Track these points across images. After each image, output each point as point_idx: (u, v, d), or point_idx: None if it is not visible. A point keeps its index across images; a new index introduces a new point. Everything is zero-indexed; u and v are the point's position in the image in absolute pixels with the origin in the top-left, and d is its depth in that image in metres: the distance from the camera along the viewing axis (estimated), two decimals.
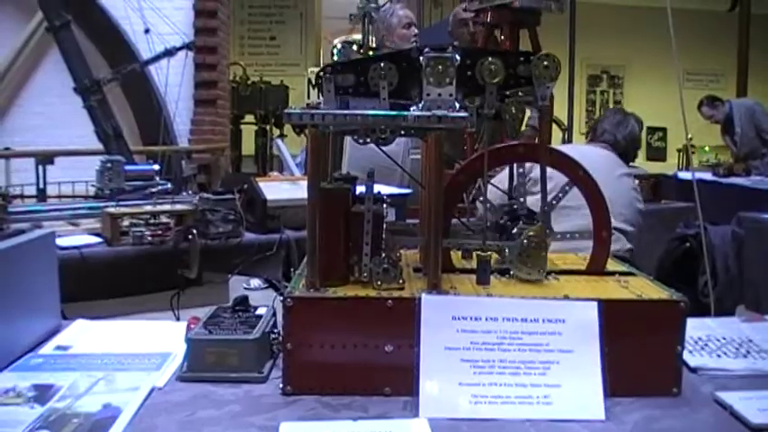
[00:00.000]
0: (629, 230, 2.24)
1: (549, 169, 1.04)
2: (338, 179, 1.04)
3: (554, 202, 1.07)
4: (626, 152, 2.46)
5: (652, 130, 8.77)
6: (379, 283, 0.94)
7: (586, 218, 1.07)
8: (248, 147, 7.07)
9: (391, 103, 0.97)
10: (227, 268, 2.05)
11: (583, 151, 2.22)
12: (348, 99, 0.98)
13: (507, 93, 1.02)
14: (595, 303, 0.91)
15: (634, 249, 2.22)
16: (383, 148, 0.98)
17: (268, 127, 6.86)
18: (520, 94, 1.02)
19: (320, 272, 0.94)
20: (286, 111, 0.91)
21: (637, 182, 2.45)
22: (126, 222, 1.97)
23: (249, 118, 6.95)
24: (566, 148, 1.31)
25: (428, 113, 0.92)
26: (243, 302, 1.09)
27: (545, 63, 1.00)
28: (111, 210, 2.01)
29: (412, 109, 0.95)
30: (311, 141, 0.93)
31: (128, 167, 2.39)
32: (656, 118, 8.34)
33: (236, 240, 2.04)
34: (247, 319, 1.03)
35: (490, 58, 0.99)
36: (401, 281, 0.95)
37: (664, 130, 8.64)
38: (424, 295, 0.91)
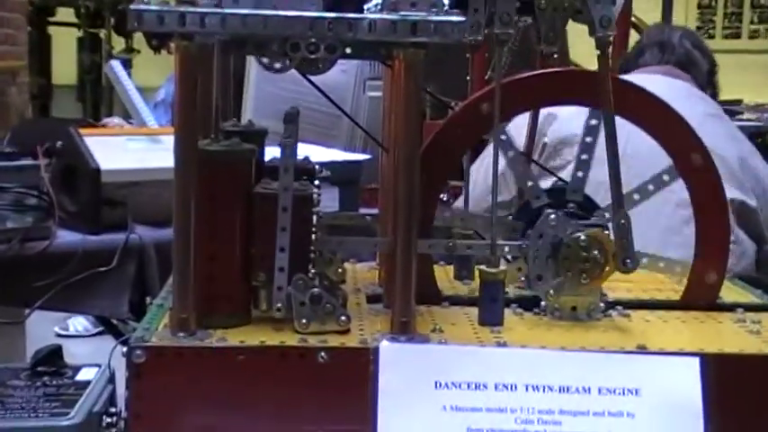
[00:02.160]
0: (752, 205, 2.27)
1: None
2: (233, 133, 1.06)
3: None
4: (696, 70, 2.48)
5: None
6: (304, 321, 0.97)
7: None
8: (65, 70, 7.00)
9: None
10: (21, 297, 2.05)
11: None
12: None
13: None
14: (697, 360, 0.93)
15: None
16: (316, 79, 1.01)
17: (102, 33, 6.80)
18: None
19: (198, 301, 0.95)
20: (133, 6, 0.91)
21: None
22: None
23: (65, 14, 6.87)
24: None
25: (394, 16, 0.93)
26: (51, 359, 1.10)
27: None
28: None
29: (367, 8, 0.97)
30: (181, 65, 0.94)
31: None
32: None
33: (42, 245, 2.05)
34: (60, 390, 1.04)
35: None
36: (344, 318, 0.97)
37: None
38: (384, 343, 0.93)
